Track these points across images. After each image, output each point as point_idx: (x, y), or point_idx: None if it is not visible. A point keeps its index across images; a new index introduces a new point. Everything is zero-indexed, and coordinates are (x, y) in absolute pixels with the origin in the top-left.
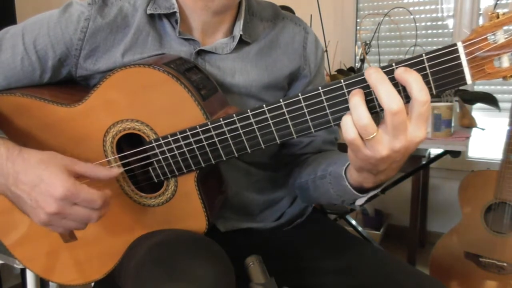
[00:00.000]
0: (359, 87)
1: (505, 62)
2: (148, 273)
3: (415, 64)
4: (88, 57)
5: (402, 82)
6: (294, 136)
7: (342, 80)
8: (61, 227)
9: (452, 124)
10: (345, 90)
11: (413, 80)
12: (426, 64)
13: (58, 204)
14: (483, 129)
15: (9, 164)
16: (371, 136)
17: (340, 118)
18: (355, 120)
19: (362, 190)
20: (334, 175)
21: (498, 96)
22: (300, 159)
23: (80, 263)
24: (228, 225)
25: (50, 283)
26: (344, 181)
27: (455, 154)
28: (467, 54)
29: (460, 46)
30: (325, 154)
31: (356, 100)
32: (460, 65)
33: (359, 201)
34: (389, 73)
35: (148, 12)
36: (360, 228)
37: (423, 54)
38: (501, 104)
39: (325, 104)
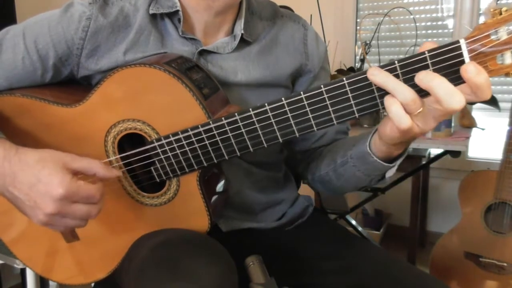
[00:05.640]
0: (361, 85)
1: (508, 58)
2: (151, 272)
3: (417, 61)
4: (89, 57)
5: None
6: (297, 134)
7: (344, 78)
8: (61, 226)
9: (452, 124)
10: (348, 88)
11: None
12: (429, 62)
13: (57, 204)
14: (483, 129)
15: (6, 164)
16: (419, 111)
17: (342, 116)
18: (401, 99)
19: (390, 160)
20: (357, 156)
21: (498, 96)
22: (315, 153)
23: (82, 263)
24: (230, 225)
25: (50, 283)
26: (371, 157)
27: (455, 154)
28: (469, 51)
29: (463, 43)
30: (338, 143)
31: (392, 80)
32: (462, 62)
33: (390, 172)
34: (393, 70)
35: (151, 12)
36: (360, 228)
37: (426, 52)
38: (501, 104)
39: (328, 102)
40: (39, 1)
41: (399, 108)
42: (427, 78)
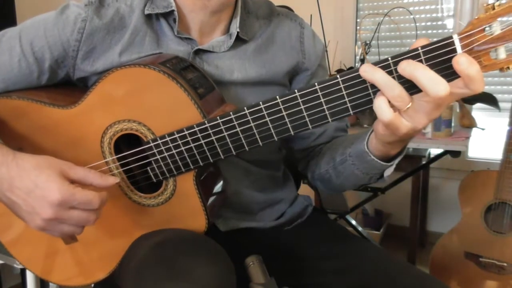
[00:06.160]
0: (355, 82)
1: (501, 53)
2: (149, 272)
3: (411, 58)
4: (85, 58)
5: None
6: (292, 133)
7: (338, 76)
8: (58, 232)
9: (452, 124)
10: (342, 86)
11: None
12: (422, 58)
13: (54, 209)
14: (483, 129)
15: (3, 169)
16: (408, 106)
17: (337, 113)
18: (389, 95)
19: (388, 159)
20: (355, 155)
21: (498, 96)
22: (315, 151)
23: (81, 264)
24: (228, 225)
25: (50, 284)
26: (368, 156)
27: (455, 154)
28: (463, 47)
29: (456, 39)
30: (337, 141)
31: (381, 76)
32: None
33: (388, 171)
34: (386, 67)
35: (146, 12)
36: (360, 228)
37: (419, 48)
38: (501, 104)
39: (322, 100)
40: (39, 1)
41: (382, 101)
42: (410, 68)
